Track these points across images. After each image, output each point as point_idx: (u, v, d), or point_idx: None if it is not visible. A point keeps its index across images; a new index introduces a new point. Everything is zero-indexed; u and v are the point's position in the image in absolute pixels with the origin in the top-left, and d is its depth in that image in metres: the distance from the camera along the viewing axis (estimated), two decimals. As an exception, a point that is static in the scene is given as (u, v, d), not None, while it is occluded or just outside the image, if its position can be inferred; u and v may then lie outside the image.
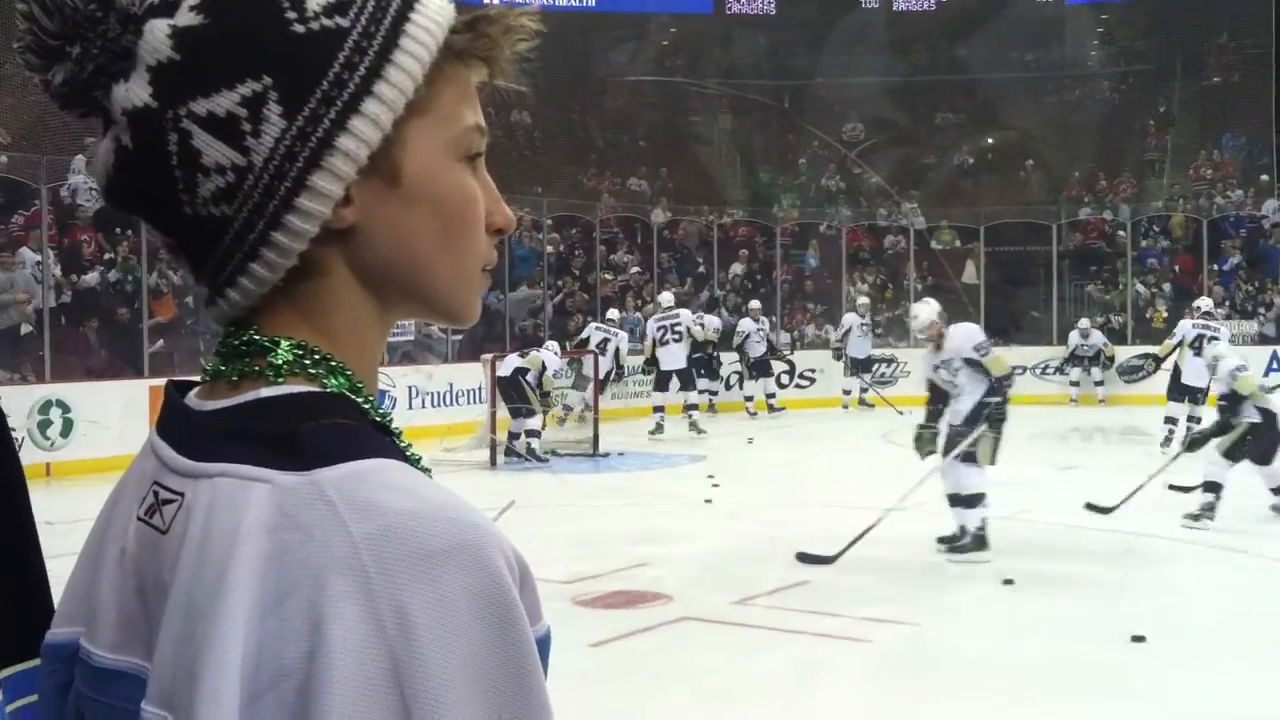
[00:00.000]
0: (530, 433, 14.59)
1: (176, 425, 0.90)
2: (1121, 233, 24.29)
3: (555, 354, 15.08)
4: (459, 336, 18.50)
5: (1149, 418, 17.22)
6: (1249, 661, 6.51)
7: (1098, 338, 21.11)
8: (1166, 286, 23.40)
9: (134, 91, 0.87)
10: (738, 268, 23.86)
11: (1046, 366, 21.83)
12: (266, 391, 0.87)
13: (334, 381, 0.89)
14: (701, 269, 23.68)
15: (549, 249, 21.78)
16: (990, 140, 28.33)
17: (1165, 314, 22.74)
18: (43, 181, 15.60)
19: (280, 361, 0.88)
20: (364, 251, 0.90)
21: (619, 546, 9.26)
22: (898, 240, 25.11)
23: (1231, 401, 10.65)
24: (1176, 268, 23.78)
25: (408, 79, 0.89)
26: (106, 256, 16.44)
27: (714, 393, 20.33)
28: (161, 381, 12.82)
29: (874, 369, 21.17)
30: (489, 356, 14.70)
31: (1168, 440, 14.95)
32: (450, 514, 0.80)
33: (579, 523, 10.48)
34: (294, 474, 0.80)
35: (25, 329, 15.05)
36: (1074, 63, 30.08)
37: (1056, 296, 23.70)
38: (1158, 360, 16.29)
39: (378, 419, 0.89)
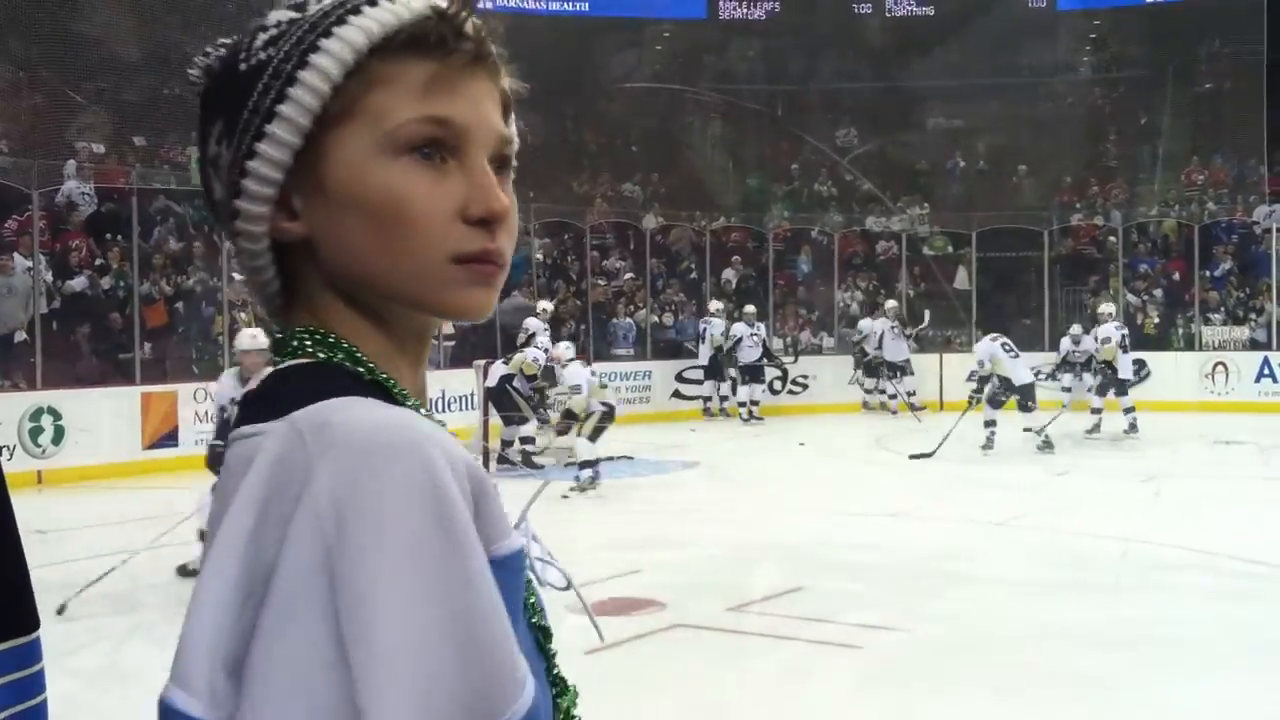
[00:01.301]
0: (524, 439, 14.54)
1: None
2: (1113, 238, 24.33)
3: (545, 350, 14.97)
4: (450, 343, 18.47)
5: (1141, 423, 17.26)
6: (1240, 669, 6.51)
7: (1089, 343, 21.10)
8: (1158, 293, 23.43)
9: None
10: (730, 273, 23.87)
11: (1038, 372, 21.81)
12: (280, 368, 0.97)
13: (337, 356, 0.96)
14: (694, 275, 23.67)
15: (539, 256, 21.78)
16: (982, 146, 28.35)
17: (1156, 319, 22.80)
18: (35, 186, 15.57)
19: (285, 345, 0.99)
20: (324, 258, 0.97)
21: (611, 553, 9.25)
22: (890, 246, 25.13)
23: None
24: (1173, 275, 23.78)
25: (308, 94, 0.94)
26: (98, 262, 16.40)
27: (724, 397, 20.47)
28: (152, 389, 12.78)
29: (904, 373, 20.98)
30: (481, 363, 14.66)
31: None
32: (395, 420, 0.87)
33: (571, 529, 10.47)
34: (281, 421, 0.88)
35: (19, 336, 15.01)
36: (1066, 68, 30.12)
37: (1048, 302, 23.72)
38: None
39: (377, 380, 0.96)
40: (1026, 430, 16.23)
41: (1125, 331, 20.20)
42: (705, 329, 20.66)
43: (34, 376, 14.66)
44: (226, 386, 9.03)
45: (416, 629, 0.80)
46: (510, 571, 0.90)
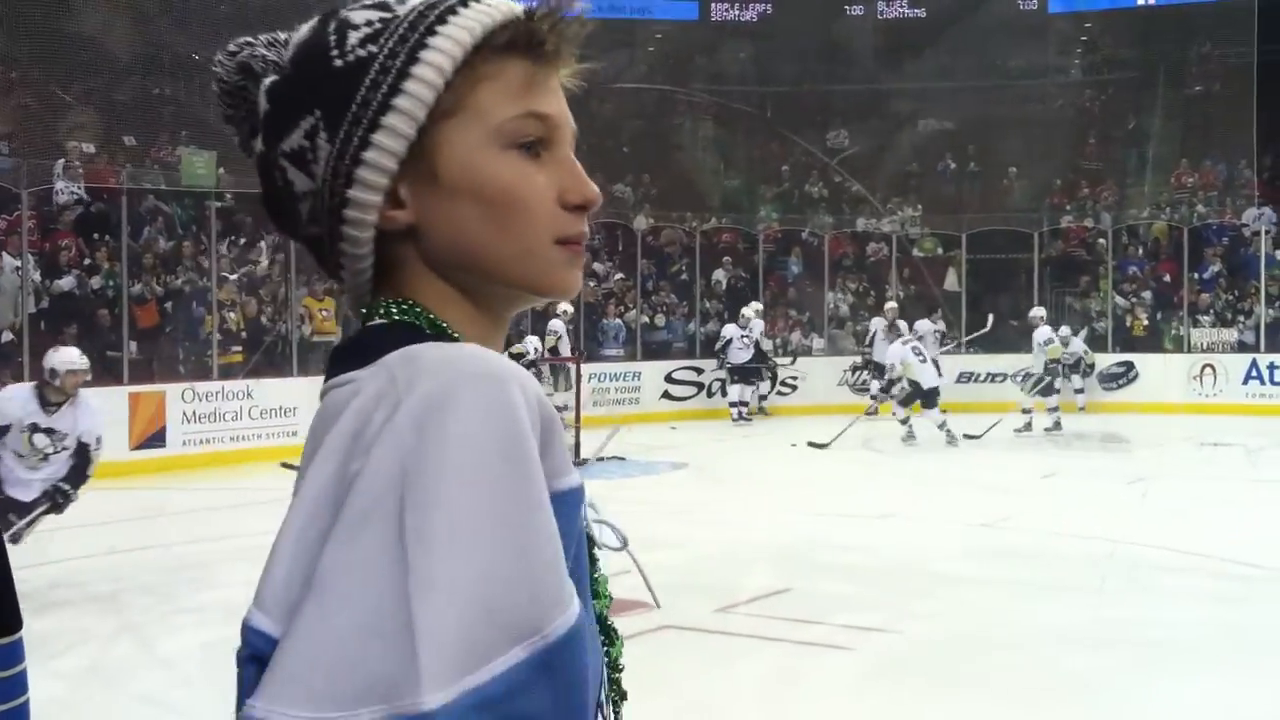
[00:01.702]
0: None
1: None
2: (1103, 240, 24.39)
3: (535, 349, 15.03)
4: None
5: (1129, 424, 17.31)
6: (1227, 670, 6.53)
7: (1078, 345, 21.17)
8: (1147, 294, 23.49)
9: (257, 141, 1.06)
10: (720, 274, 23.88)
11: (1027, 374, 21.87)
12: (363, 328, 1.05)
13: (414, 317, 1.03)
14: (684, 276, 23.69)
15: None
16: (973, 148, 28.40)
17: (1145, 322, 22.86)
18: (24, 186, 15.53)
19: (375, 310, 1.04)
20: (428, 245, 1.03)
21: (600, 553, 9.22)
22: (880, 248, 25.16)
23: None
24: (1162, 278, 23.84)
25: (424, 88, 1.00)
26: (86, 262, 16.36)
27: (745, 402, 20.47)
28: (140, 389, 12.64)
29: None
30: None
31: None
32: (478, 353, 0.94)
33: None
34: (369, 367, 0.95)
35: (7, 336, 14.97)
36: (1057, 70, 30.19)
37: (1038, 304, 23.75)
38: None
39: (458, 339, 1.02)
40: (1019, 428, 16.24)
41: (1065, 332, 20.45)
42: (747, 329, 20.36)
43: (22, 376, 14.61)
44: (18, 403, 7.81)
45: (474, 537, 0.85)
46: (568, 506, 0.95)
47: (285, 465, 11.68)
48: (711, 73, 29.73)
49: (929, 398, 16.50)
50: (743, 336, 20.19)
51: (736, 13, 29.68)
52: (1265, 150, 25.84)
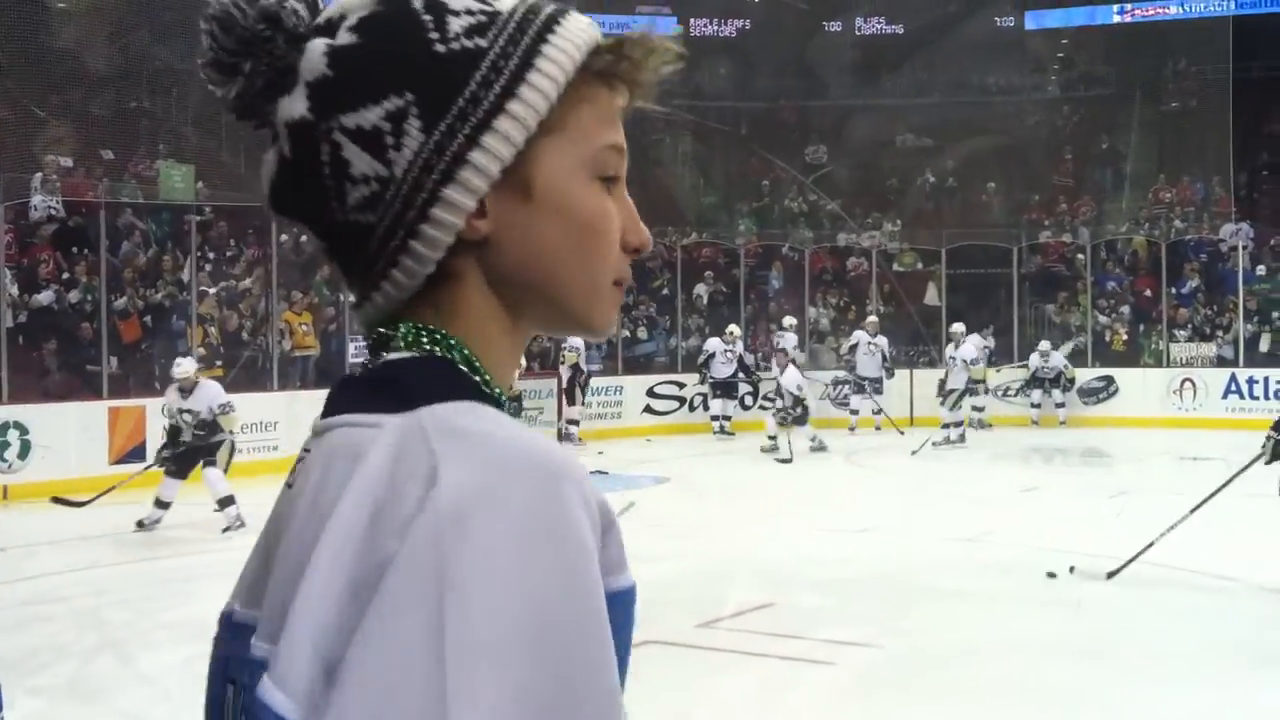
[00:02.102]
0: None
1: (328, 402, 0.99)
2: (1081, 256, 24.51)
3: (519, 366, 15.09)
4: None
5: (1109, 439, 17.37)
6: (1206, 681, 6.54)
7: (1058, 359, 21.26)
8: (1125, 309, 23.61)
9: (294, 105, 0.94)
10: (701, 289, 23.91)
11: (1008, 388, 21.97)
12: (387, 359, 0.95)
13: (445, 350, 0.95)
14: (665, 290, 23.71)
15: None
16: (951, 163, 28.52)
17: (1124, 336, 22.96)
18: (0, 200, 15.46)
19: (399, 335, 0.95)
20: (497, 260, 0.95)
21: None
22: (860, 262, 25.23)
23: None
24: (1141, 293, 23.95)
25: (540, 97, 0.94)
26: (64, 276, 16.29)
27: (728, 416, 20.44)
28: (120, 403, 12.64)
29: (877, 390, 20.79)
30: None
31: None
32: (532, 442, 0.85)
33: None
34: (400, 415, 0.87)
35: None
36: (1034, 87, 30.36)
37: (1017, 319, 23.87)
38: None
39: (489, 387, 0.95)
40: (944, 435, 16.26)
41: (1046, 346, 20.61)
42: (779, 343, 20.23)
43: (1, 391, 14.54)
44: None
45: (523, 656, 0.78)
46: (623, 606, 0.90)
47: (57, 500, 11.48)
48: (690, 88, 29.81)
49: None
50: (726, 351, 20.22)
51: (715, 28, 29.77)
52: (1241, 166, 26.04)
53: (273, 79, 0.94)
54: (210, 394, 11.41)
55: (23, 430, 13.57)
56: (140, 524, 11.16)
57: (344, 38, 0.94)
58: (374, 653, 0.79)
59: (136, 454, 14.36)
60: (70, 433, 13.97)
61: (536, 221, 0.95)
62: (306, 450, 0.94)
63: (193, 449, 11.28)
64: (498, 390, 0.96)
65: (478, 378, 0.95)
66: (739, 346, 20.57)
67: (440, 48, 0.93)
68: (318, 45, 0.94)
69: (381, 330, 0.97)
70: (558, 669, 0.79)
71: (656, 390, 21.31)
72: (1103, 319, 23.42)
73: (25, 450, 13.58)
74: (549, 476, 0.83)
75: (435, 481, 0.82)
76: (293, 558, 0.87)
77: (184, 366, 11.53)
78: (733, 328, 20.80)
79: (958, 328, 19.64)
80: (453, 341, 0.95)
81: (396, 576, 0.80)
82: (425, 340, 0.95)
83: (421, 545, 0.80)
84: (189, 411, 11.31)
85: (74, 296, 16.11)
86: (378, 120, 0.92)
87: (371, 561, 0.81)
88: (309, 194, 0.95)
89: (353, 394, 0.93)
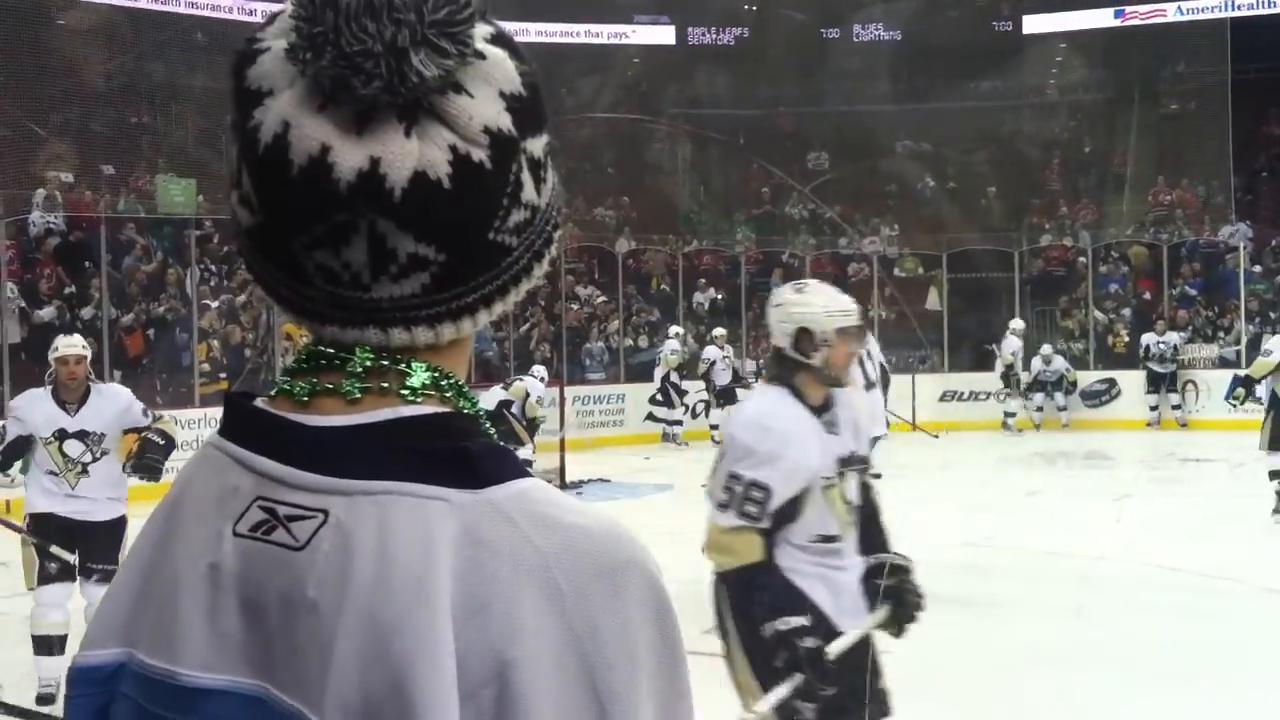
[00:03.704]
0: (523, 464, 14.53)
1: (282, 440, 0.90)
2: (1082, 259, 24.52)
3: (541, 380, 15.08)
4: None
5: (1111, 442, 17.35)
6: (1207, 686, 6.53)
7: (1060, 363, 21.26)
8: (1126, 312, 23.61)
9: (491, 112, 0.90)
10: (701, 296, 23.92)
11: (1009, 393, 21.95)
12: (407, 410, 0.90)
13: (466, 404, 0.93)
14: (666, 288, 23.72)
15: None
16: (951, 168, 28.54)
17: (1126, 339, 22.94)
18: (1, 216, 15.49)
19: (418, 383, 0.91)
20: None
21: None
22: (861, 268, 25.24)
23: None
24: (1142, 295, 23.94)
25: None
26: (67, 291, 16.31)
27: (678, 421, 20.35)
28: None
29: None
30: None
31: None
32: (615, 530, 0.89)
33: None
34: (468, 492, 0.85)
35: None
36: (1032, 91, 30.38)
37: (1018, 319, 23.86)
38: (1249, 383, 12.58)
39: (496, 441, 0.95)
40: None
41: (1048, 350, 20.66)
42: (726, 351, 20.34)
43: (2, 407, 14.54)
44: (37, 410, 6.71)
45: None
46: None
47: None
48: (689, 96, 29.85)
49: None
50: (724, 359, 20.22)
51: (713, 37, 29.81)
52: (1240, 168, 26.03)
53: (450, 71, 0.88)
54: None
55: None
56: None
57: (511, 56, 0.94)
58: None
59: (140, 468, 14.36)
60: (74, 447, 13.97)
61: None
62: (300, 507, 0.87)
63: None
64: (493, 432, 0.96)
65: (484, 424, 0.95)
66: (730, 352, 20.54)
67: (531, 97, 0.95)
68: (502, 55, 0.92)
69: (373, 359, 0.91)
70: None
71: (658, 398, 21.29)
72: (1100, 317, 23.38)
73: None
74: (643, 570, 0.90)
75: (553, 586, 0.84)
76: (382, 637, 0.82)
77: None
78: (719, 331, 20.77)
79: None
80: (465, 390, 0.94)
81: (545, 689, 0.83)
82: (446, 390, 0.93)
83: (568, 662, 0.83)
84: None
85: (87, 313, 16.09)
86: (541, 152, 0.94)
87: (478, 653, 0.83)
88: (482, 205, 0.90)
89: (390, 454, 0.88)
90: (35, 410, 6.64)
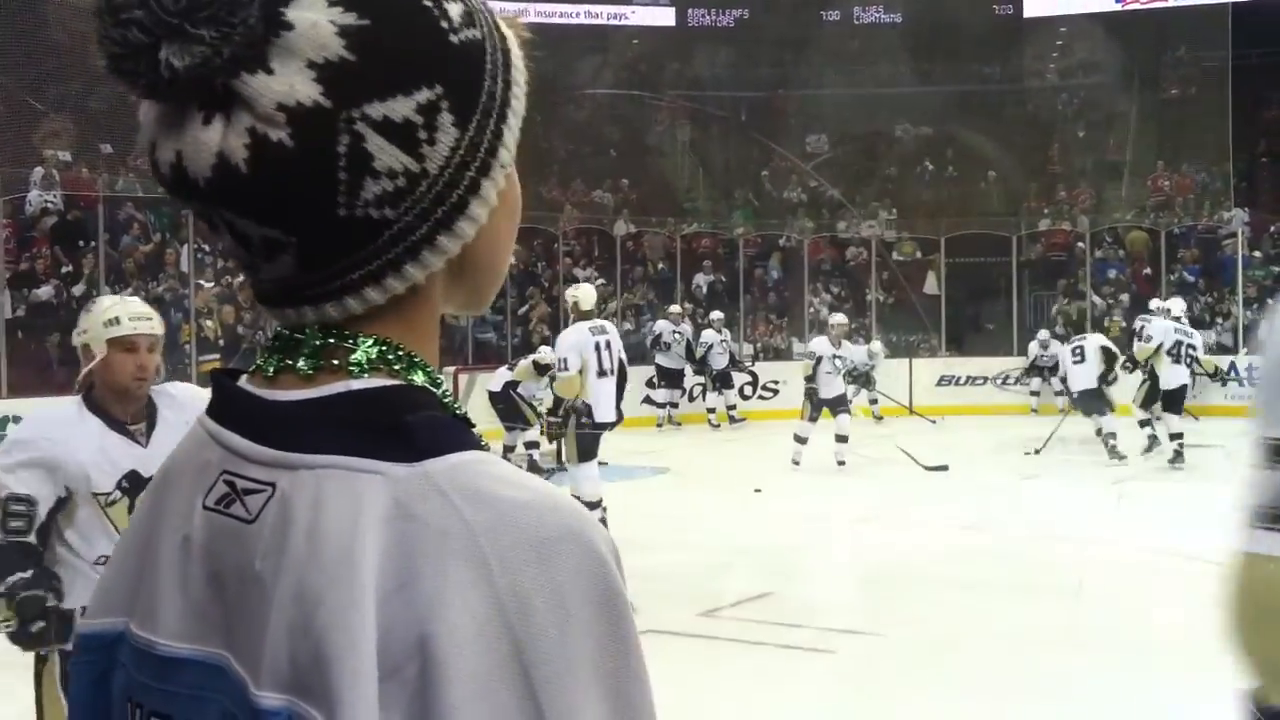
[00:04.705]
0: (529, 444, 14.57)
1: (246, 415, 0.91)
2: (1081, 244, 24.51)
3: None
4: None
5: (1109, 426, 17.30)
6: (1205, 670, 6.52)
7: (1057, 348, 21.24)
8: (1125, 297, 23.60)
9: (296, 88, 0.83)
10: (701, 279, 23.90)
11: (1007, 377, 21.97)
12: (355, 384, 0.88)
13: (417, 376, 0.91)
14: (663, 269, 23.70)
15: (511, 260, 21.77)
16: (950, 152, 28.50)
17: (1123, 324, 22.95)
18: (-1, 194, 15.47)
19: (363, 357, 0.89)
20: (474, 258, 0.93)
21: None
22: (860, 252, 25.22)
23: None
24: (1139, 282, 23.95)
25: (523, 87, 0.93)
26: (64, 270, 16.28)
27: (674, 404, 20.38)
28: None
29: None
30: (451, 369, 14.63)
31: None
32: (556, 502, 0.84)
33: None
34: (403, 465, 0.83)
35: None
36: (1032, 75, 30.33)
37: (1016, 307, 23.87)
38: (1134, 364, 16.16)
39: (455, 413, 0.91)
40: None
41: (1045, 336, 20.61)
42: (723, 334, 20.34)
43: (0, 385, 14.54)
44: (78, 444, 3.66)
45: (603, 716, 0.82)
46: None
47: None
48: (689, 78, 29.78)
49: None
50: (721, 342, 20.22)
51: (713, 18, 29.74)
52: (1240, 153, 26.01)
53: (241, 51, 0.83)
54: None
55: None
56: None
57: (343, 17, 0.84)
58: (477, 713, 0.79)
59: (137, 447, 14.36)
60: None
61: (501, 213, 0.93)
62: (253, 480, 0.87)
63: None
64: (455, 405, 0.92)
65: (443, 397, 0.92)
66: (727, 335, 20.54)
67: (455, 39, 0.89)
68: (320, 22, 0.84)
69: (321, 335, 0.90)
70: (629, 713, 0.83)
71: (654, 381, 21.29)
72: (1098, 302, 23.38)
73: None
74: (581, 541, 0.84)
75: (480, 559, 0.80)
76: (307, 609, 0.81)
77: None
78: (717, 315, 20.79)
79: (1174, 304, 16.77)
80: (417, 360, 0.91)
81: (470, 662, 0.79)
82: (394, 362, 0.90)
83: (490, 634, 0.79)
84: None
85: (79, 290, 16.09)
86: (409, 113, 0.86)
87: (401, 630, 0.80)
88: (308, 185, 0.84)
89: (331, 428, 0.86)
90: (74, 445, 3.59)
